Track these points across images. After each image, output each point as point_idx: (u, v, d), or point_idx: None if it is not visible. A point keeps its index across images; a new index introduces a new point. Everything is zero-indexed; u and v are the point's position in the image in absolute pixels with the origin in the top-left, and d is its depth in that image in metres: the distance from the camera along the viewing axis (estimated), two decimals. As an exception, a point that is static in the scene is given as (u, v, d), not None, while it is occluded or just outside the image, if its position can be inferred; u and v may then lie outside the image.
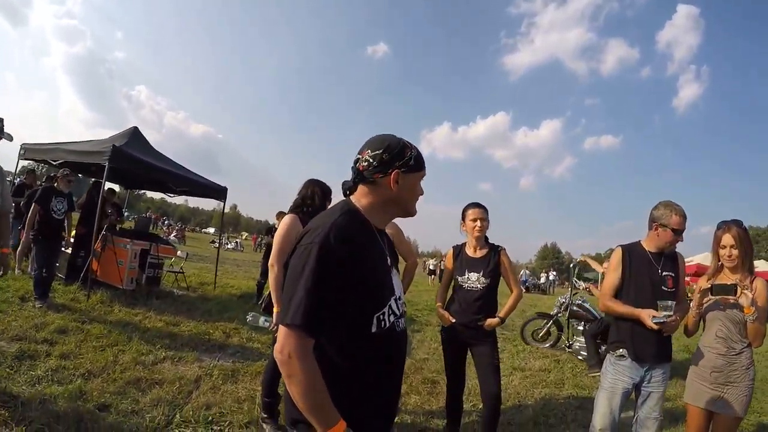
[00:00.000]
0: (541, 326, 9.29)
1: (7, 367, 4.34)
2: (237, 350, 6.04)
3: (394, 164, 1.65)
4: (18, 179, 10.75)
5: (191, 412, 3.96)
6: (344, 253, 1.50)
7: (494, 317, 3.82)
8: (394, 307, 1.68)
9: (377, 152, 1.65)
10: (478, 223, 3.87)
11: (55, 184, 7.44)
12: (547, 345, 9.01)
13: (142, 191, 16.72)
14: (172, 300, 8.73)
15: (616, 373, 3.28)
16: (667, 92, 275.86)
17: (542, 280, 38.04)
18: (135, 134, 9.52)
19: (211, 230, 42.19)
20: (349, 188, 1.76)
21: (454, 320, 3.85)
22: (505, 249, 3.96)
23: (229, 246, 38.97)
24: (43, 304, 6.61)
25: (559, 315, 9.07)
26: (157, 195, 12.01)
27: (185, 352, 5.58)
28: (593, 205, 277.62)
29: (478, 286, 3.81)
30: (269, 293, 3.81)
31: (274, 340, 3.34)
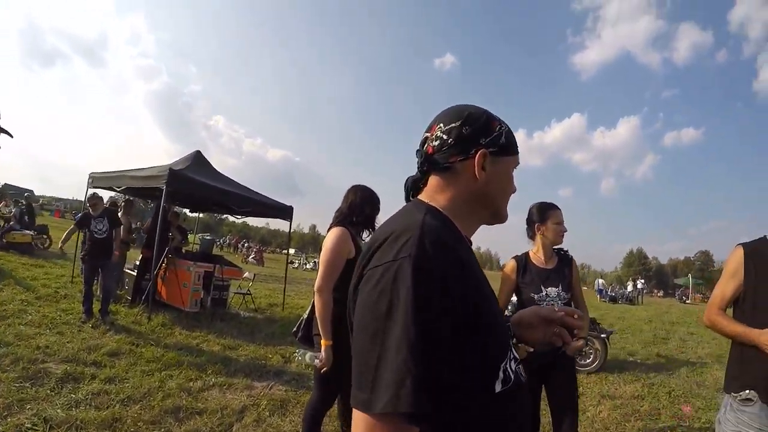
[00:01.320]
0: None
1: (49, 389, 4.36)
2: (293, 377, 5.82)
3: (479, 141, 1.17)
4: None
5: (225, 447, 3.79)
6: (451, 271, 0.98)
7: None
8: (513, 349, 1.19)
9: (454, 125, 1.18)
10: (564, 226, 3.37)
11: (90, 210, 7.86)
12: None
13: (224, 216, 17.20)
14: (237, 322, 8.72)
15: (740, 423, 2.43)
16: (746, 75, 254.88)
17: (629, 288, 35.68)
18: (197, 158, 9.89)
19: (291, 251, 42.89)
20: (413, 183, 1.26)
21: (531, 349, 3.30)
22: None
23: (308, 266, 39.52)
24: (87, 319, 7.07)
25: None
26: (239, 219, 12.32)
27: (237, 378, 5.46)
28: (680, 206, 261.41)
29: (560, 303, 3.22)
30: (305, 320, 3.41)
31: (319, 377, 3.07)
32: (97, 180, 10.26)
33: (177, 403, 4.49)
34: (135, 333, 6.82)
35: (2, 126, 3.13)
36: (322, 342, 3.01)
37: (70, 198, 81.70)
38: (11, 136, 3.24)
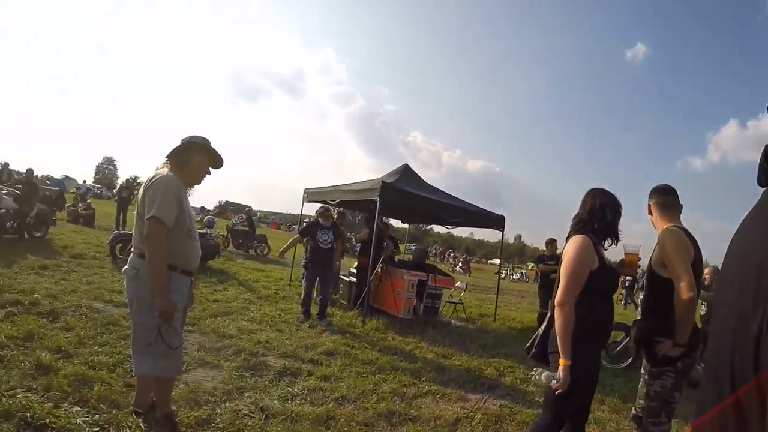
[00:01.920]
0: (617, 340, 7.67)
1: (267, 381, 4.42)
2: (508, 392, 5.32)
3: None
4: (307, 219, 12.40)
5: (439, 459, 3.41)
6: None
7: None
8: None
9: None
10: None
11: (319, 219, 8.17)
12: (624, 364, 7.47)
13: (429, 226, 17.42)
14: (448, 331, 8.49)
15: None
16: None
17: None
18: (406, 171, 10.06)
19: (496, 261, 42.61)
20: None
21: None
22: None
23: (514, 276, 38.49)
24: (305, 320, 7.38)
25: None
26: (443, 229, 12.38)
27: (451, 388, 5.10)
28: None
29: None
30: (540, 335, 3.02)
31: (553, 398, 2.59)
32: (311, 195, 11.01)
33: (390, 407, 4.26)
34: (350, 335, 6.87)
35: (215, 149, 3.26)
36: (561, 361, 2.62)
37: (284, 212, 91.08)
38: (220, 165, 3.34)
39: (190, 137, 3.26)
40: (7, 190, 11.31)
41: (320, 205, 9.43)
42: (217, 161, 3.34)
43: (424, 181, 10.40)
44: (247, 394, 4.02)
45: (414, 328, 8.07)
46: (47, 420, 3.00)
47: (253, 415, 3.62)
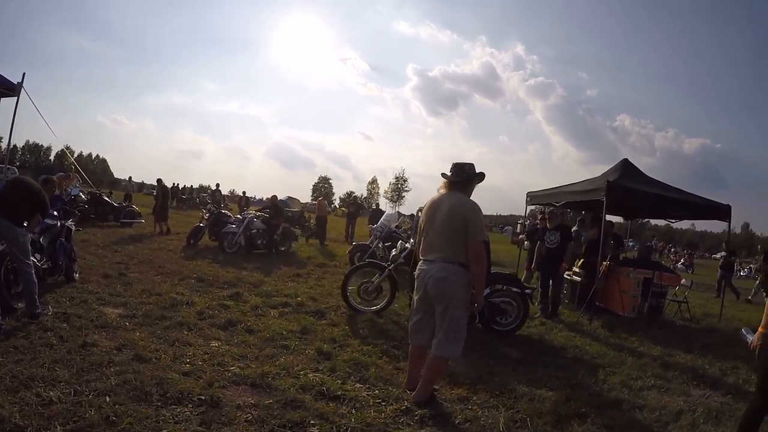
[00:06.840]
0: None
1: (511, 369, 5.53)
2: (730, 391, 5.62)
3: None
4: (528, 221, 13.37)
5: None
6: None
7: None
8: None
9: None
10: None
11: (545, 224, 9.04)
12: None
13: (645, 220, 17.19)
14: (673, 330, 8.82)
15: None
16: None
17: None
18: (626, 166, 10.32)
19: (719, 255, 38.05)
20: None
21: None
22: None
23: (741, 273, 34.51)
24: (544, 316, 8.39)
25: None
26: (661, 222, 12.38)
27: (674, 384, 5.66)
28: None
29: None
30: None
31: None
32: (534, 198, 11.74)
33: (619, 395, 5.04)
34: (578, 332, 7.69)
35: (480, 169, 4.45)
36: None
37: (494, 214, 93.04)
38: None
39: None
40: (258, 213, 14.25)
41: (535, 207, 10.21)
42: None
43: (646, 175, 10.57)
44: (496, 379, 5.11)
45: (638, 327, 8.50)
46: (339, 392, 4.27)
47: (504, 395, 4.65)
